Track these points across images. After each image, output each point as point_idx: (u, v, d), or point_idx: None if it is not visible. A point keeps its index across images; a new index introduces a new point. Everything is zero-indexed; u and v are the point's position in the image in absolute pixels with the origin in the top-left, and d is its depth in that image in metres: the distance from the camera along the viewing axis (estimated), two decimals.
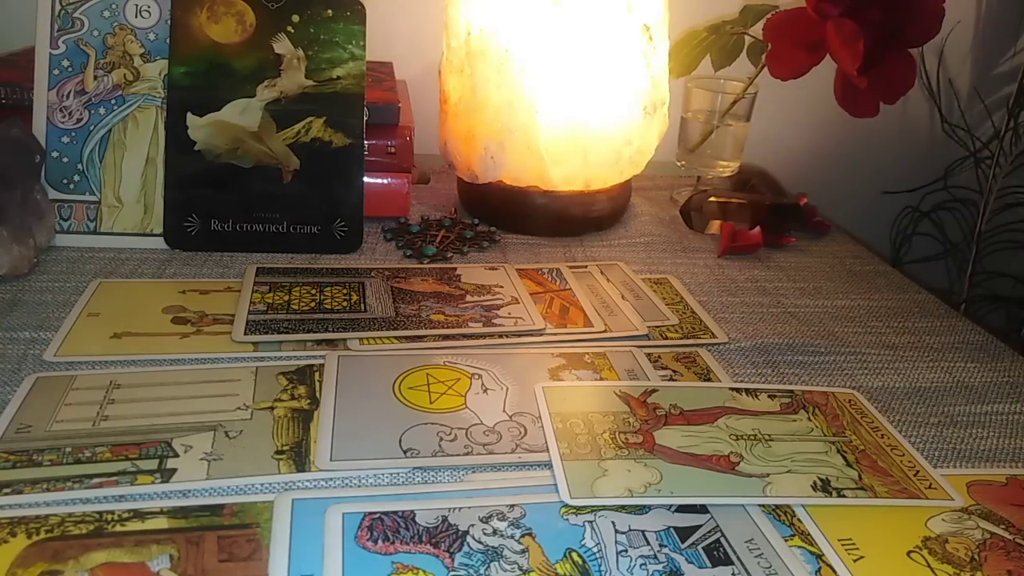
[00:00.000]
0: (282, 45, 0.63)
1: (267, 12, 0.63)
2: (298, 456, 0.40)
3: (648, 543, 0.36)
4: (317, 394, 0.45)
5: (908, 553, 0.37)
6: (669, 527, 0.37)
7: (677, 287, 0.63)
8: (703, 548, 0.36)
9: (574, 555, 0.35)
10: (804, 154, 1.05)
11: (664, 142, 0.74)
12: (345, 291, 0.57)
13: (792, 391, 0.49)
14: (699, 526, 0.38)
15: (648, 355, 0.53)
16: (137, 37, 0.62)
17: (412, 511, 0.37)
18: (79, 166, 0.62)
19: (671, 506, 0.39)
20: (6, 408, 0.42)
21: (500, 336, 0.53)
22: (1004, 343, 0.58)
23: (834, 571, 0.36)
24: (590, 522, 0.37)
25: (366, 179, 0.65)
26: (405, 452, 0.41)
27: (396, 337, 0.52)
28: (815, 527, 0.38)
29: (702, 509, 0.39)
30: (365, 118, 0.65)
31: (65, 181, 0.62)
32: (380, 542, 0.35)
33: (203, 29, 0.62)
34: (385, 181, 0.70)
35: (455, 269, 0.63)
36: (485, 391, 0.47)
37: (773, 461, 0.42)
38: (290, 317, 0.53)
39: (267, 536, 0.35)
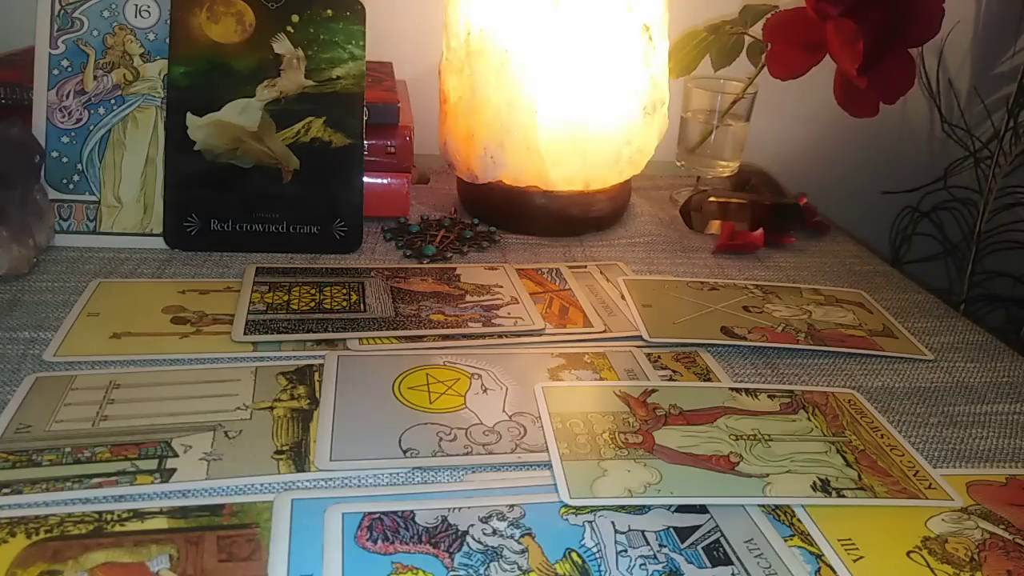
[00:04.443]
0: (282, 45, 0.63)
1: (267, 12, 0.63)
2: (297, 456, 0.40)
3: (648, 543, 0.36)
4: (317, 394, 0.45)
5: (908, 553, 0.37)
6: (669, 527, 0.37)
7: None
8: (703, 548, 0.36)
9: (574, 555, 0.35)
10: (804, 154, 1.05)
11: (664, 142, 0.74)
12: (345, 291, 0.57)
13: (792, 391, 0.49)
14: (699, 526, 0.38)
15: (648, 355, 0.53)
16: (137, 37, 0.62)
17: (412, 511, 0.37)
18: (79, 166, 0.62)
19: (671, 506, 0.39)
20: (6, 408, 0.42)
21: (500, 336, 0.53)
22: (1004, 343, 0.58)
23: (834, 571, 0.36)
24: (590, 522, 0.37)
25: (366, 179, 0.65)
26: (405, 452, 0.41)
27: (396, 337, 0.52)
28: (815, 527, 0.38)
29: (702, 509, 0.39)
30: (365, 118, 0.65)
31: (65, 181, 0.62)
32: (380, 542, 0.35)
33: (203, 29, 0.62)
34: (385, 181, 0.70)
35: (455, 269, 0.63)
36: (485, 391, 0.47)
37: (773, 461, 0.42)
38: (290, 317, 0.53)
39: (266, 536, 0.35)
